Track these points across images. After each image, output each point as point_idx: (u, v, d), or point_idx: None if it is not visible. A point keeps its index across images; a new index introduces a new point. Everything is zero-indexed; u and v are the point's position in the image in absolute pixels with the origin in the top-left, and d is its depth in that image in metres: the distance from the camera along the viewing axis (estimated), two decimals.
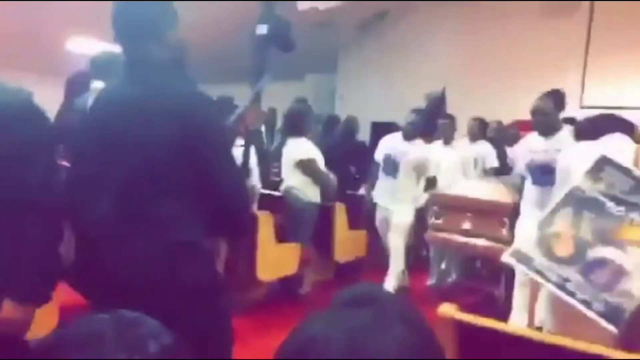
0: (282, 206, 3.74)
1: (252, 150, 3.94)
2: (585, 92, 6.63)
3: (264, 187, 4.25)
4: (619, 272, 1.24)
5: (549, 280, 1.29)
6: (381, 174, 4.34)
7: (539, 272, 1.32)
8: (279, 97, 6.58)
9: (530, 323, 2.28)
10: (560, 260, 1.31)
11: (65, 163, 3.56)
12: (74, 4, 5.80)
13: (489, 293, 4.17)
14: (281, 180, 4.22)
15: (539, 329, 2.11)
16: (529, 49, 6.73)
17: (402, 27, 7.84)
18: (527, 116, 3.48)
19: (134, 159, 1.50)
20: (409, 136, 4.22)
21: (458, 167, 4.77)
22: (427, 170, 4.27)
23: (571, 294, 1.26)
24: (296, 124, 4.16)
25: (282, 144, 4.43)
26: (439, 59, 7.45)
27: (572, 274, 1.28)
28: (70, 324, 0.63)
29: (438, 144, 4.82)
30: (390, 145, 4.35)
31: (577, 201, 1.38)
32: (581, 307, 1.23)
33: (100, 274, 1.51)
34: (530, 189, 3.38)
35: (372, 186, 4.47)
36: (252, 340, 3.06)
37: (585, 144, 2.25)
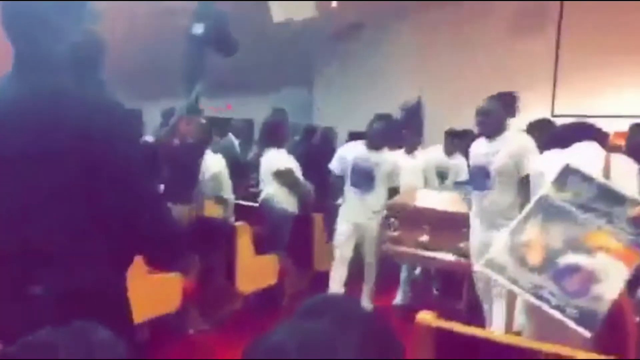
0: (259, 217, 3.72)
1: (222, 162, 3.94)
2: (556, 100, 6.77)
3: (241, 198, 4.23)
4: (590, 278, 1.27)
5: (523, 289, 1.30)
6: (350, 188, 3.97)
7: (513, 280, 1.34)
8: (256, 109, 6.58)
9: (509, 328, 2.30)
10: (533, 269, 1.33)
11: None
12: None
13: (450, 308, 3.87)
14: (259, 192, 4.21)
15: (518, 333, 2.13)
16: (499, 61, 6.86)
17: (377, 39, 7.93)
18: None
19: (20, 181, 1.19)
20: (375, 145, 3.91)
21: (419, 176, 4.56)
22: (396, 180, 4.07)
23: (546, 301, 1.28)
24: (274, 135, 4.16)
25: (259, 154, 4.42)
26: (414, 70, 7.55)
27: (545, 281, 1.30)
28: (24, 338, 0.62)
29: (400, 152, 4.55)
30: (356, 154, 3.97)
31: (546, 209, 1.42)
32: (556, 314, 1.25)
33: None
34: (473, 197, 3.29)
35: (334, 199, 4.18)
36: (228, 354, 3.02)
37: (556, 152, 2.29)
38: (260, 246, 3.85)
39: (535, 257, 1.34)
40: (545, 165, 2.17)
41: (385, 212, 3.91)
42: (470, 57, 7.08)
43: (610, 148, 2.40)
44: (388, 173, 3.97)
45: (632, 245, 1.27)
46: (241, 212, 3.97)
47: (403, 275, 4.35)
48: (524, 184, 2.90)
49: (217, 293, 3.83)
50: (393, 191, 4.02)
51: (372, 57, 7.96)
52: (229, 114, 8.60)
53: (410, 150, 4.62)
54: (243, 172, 4.91)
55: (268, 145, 4.14)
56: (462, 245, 3.48)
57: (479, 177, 3.19)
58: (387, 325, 0.66)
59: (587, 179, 1.41)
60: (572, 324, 1.21)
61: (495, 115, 3.14)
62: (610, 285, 1.31)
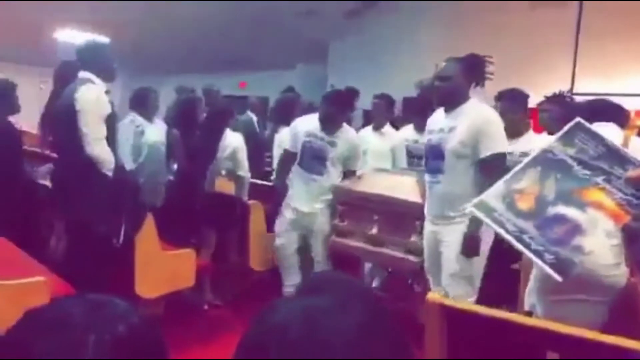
0: (272, 195, 3.74)
1: (241, 140, 3.95)
2: (576, 79, 6.63)
3: (256, 176, 4.24)
4: (575, 230, 1.31)
5: (507, 231, 1.34)
6: (297, 168, 3.46)
7: (498, 222, 1.37)
8: (270, 86, 6.56)
9: (520, 307, 2.30)
10: (521, 214, 1.37)
11: (50, 153, 3.58)
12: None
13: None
14: (273, 170, 4.21)
15: (529, 313, 2.13)
16: (519, 39, 6.72)
17: (392, 17, 7.81)
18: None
19: None
20: (378, 125, 3.82)
21: (387, 156, 4.07)
22: (354, 163, 3.49)
23: (526, 245, 1.32)
24: (285, 113, 4.15)
25: (274, 132, 4.42)
26: (428, 48, 7.44)
27: (529, 227, 1.34)
28: (39, 308, 0.63)
29: (367, 129, 4.16)
30: (307, 130, 3.41)
31: (546, 162, 1.45)
32: (533, 257, 1.30)
33: None
34: (426, 183, 2.79)
35: (282, 182, 3.57)
36: (242, 330, 3.07)
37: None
38: (273, 224, 3.88)
39: (525, 204, 1.38)
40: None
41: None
42: (489, 35, 6.95)
43: (629, 128, 2.36)
44: (345, 154, 3.40)
45: (625, 205, 1.29)
46: (254, 191, 3.99)
47: (368, 265, 3.96)
48: (484, 170, 2.49)
49: (230, 270, 3.88)
50: (352, 175, 3.47)
51: (386, 34, 7.86)
52: (242, 92, 8.61)
53: (378, 127, 4.14)
54: (260, 149, 4.92)
55: (280, 123, 4.13)
56: (412, 239, 2.99)
57: (431, 159, 2.71)
58: (387, 308, 0.66)
59: (596, 137, 1.42)
60: (547, 269, 1.25)
61: (455, 80, 2.61)
62: (593, 240, 1.36)
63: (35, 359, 0.56)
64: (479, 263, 2.64)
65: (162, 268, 3.21)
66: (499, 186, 1.46)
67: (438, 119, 2.74)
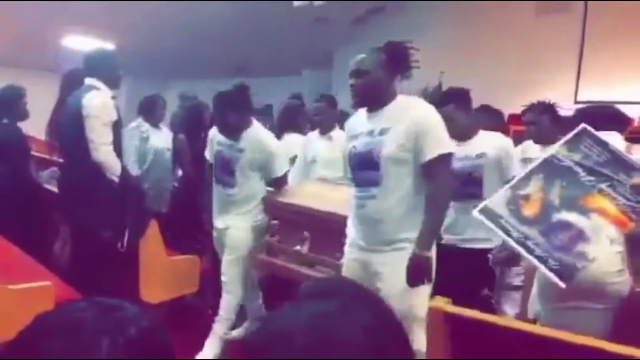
0: None
1: None
2: (580, 87, 6.62)
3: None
4: (579, 236, 1.31)
5: (510, 237, 1.34)
6: (213, 182, 3.15)
7: (503, 228, 1.37)
8: (275, 93, 6.57)
9: (524, 315, 2.28)
10: (525, 220, 1.38)
11: (56, 158, 3.60)
12: (69, 3, 5.79)
13: None
14: None
15: (534, 321, 2.12)
16: (524, 43, 6.73)
17: (398, 23, 7.83)
18: (519, 110, 3.48)
19: None
20: (325, 129, 3.51)
21: (338, 164, 3.49)
22: (277, 170, 3.06)
23: (530, 251, 1.32)
24: (290, 120, 4.16)
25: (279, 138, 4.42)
26: (434, 55, 7.45)
27: (533, 233, 1.35)
28: (50, 312, 0.63)
29: (314, 134, 3.78)
30: (219, 139, 3.10)
31: (551, 167, 1.45)
32: (537, 263, 1.30)
33: None
34: (352, 199, 2.31)
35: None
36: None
37: None
38: None
39: (530, 211, 1.38)
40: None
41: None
42: (495, 40, 6.96)
43: (632, 137, 2.35)
44: (257, 160, 3.00)
45: (629, 212, 1.30)
46: None
47: None
48: (430, 174, 2.15)
49: None
50: (278, 183, 3.09)
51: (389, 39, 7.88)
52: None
53: (325, 131, 3.69)
54: None
55: (285, 130, 4.15)
56: (338, 258, 2.52)
57: (359, 169, 2.25)
58: (393, 313, 0.66)
59: (601, 143, 1.43)
60: (550, 275, 1.25)
61: (374, 75, 2.20)
62: (597, 247, 1.37)
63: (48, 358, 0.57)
64: (425, 294, 2.07)
65: (166, 273, 3.22)
66: (504, 192, 1.46)
67: (360, 121, 2.31)
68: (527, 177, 1.45)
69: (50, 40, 6.86)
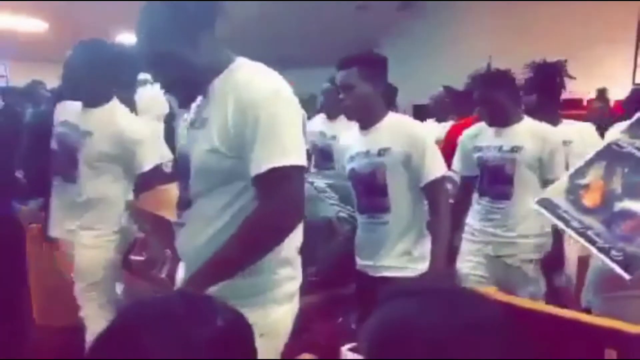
0: None
1: None
2: (638, 69, 6.35)
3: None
4: None
5: (569, 226, 1.30)
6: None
7: (562, 218, 1.33)
8: (319, 83, 6.58)
9: (578, 304, 2.23)
10: (586, 210, 1.34)
11: None
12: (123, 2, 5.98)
13: None
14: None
15: (587, 310, 2.07)
16: (578, 27, 6.49)
17: (444, 8, 7.69)
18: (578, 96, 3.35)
19: None
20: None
21: None
22: (134, 161, 2.19)
23: (591, 242, 1.28)
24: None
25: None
26: (483, 39, 7.28)
27: (595, 223, 1.31)
28: (146, 301, 0.67)
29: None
30: (64, 120, 2.27)
31: (612, 155, 1.39)
32: (599, 254, 1.26)
33: None
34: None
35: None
36: None
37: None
38: None
39: (591, 200, 1.33)
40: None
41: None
42: (547, 23, 6.74)
43: None
44: (111, 151, 2.16)
45: None
46: None
47: None
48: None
49: None
50: (138, 183, 2.24)
51: (435, 27, 7.74)
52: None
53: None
54: None
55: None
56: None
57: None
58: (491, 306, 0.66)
59: None
60: (613, 266, 1.21)
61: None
62: None
63: (145, 348, 0.60)
64: None
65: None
66: (563, 182, 1.43)
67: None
68: (586, 166, 1.41)
69: (106, 37, 7.10)
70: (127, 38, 7.21)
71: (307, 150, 3.50)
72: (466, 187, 2.63)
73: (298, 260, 1.43)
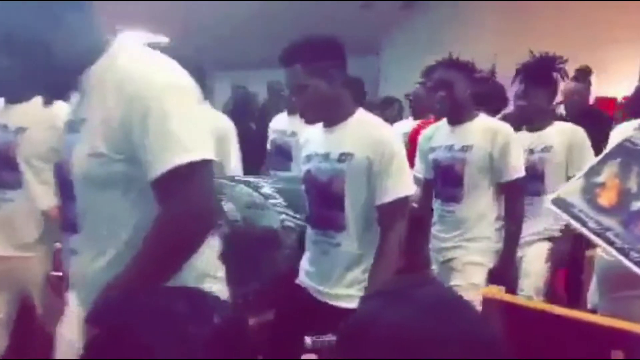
0: None
1: None
2: None
3: None
4: None
5: (585, 226, 1.28)
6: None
7: (577, 218, 1.31)
8: None
9: (583, 305, 2.22)
10: (603, 210, 1.31)
11: None
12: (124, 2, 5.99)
13: None
14: None
15: (593, 311, 2.06)
16: (585, 26, 6.46)
17: (448, 6, 7.66)
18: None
19: None
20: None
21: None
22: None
23: (610, 243, 1.26)
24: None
25: None
26: (487, 38, 7.25)
27: (613, 224, 1.28)
28: (144, 296, 0.67)
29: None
30: None
31: (627, 153, 1.37)
32: (618, 255, 1.23)
33: None
34: None
35: None
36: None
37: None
38: None
39: (607, 200, 1.31)
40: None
41: None
42: (551, 23, 6.71)
43: None
44: (44, 151, 1.92)
45: None
46: None
47: None
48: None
49: None
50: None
51: (438, 25, 7.72)
52: None
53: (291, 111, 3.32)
54: None
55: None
56: None
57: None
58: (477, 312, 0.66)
59: None
60: (633, 268, 1.19)
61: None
62: None
63: (142, 343, 0.60)
64: None
65: None
66: (577, 181, 1.40)
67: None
68: (600, 164, 1.38)
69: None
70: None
71: (267, 150, 3.51)
72: (427, 189, 2.50)
73: (221, 272, 1.24)
